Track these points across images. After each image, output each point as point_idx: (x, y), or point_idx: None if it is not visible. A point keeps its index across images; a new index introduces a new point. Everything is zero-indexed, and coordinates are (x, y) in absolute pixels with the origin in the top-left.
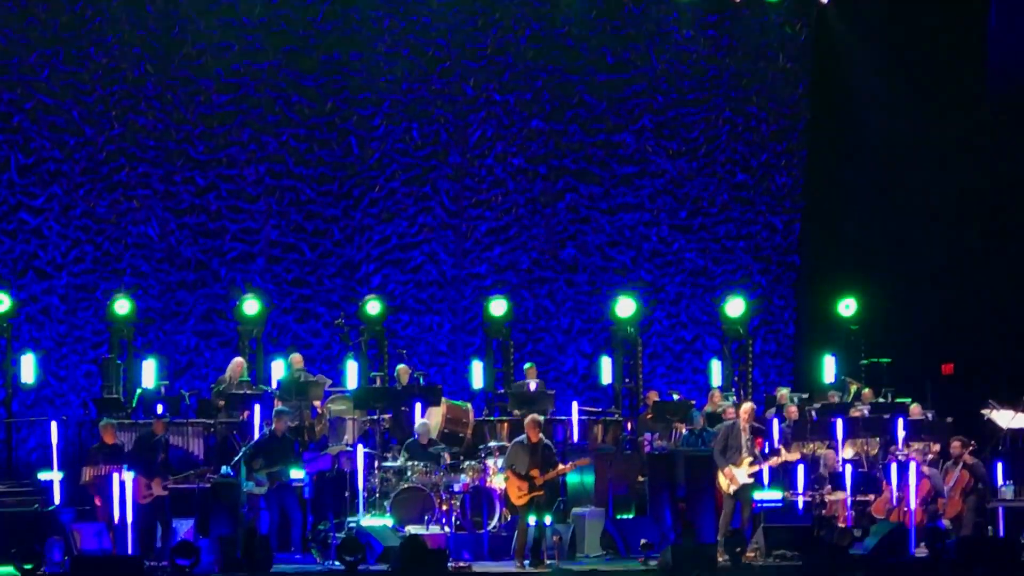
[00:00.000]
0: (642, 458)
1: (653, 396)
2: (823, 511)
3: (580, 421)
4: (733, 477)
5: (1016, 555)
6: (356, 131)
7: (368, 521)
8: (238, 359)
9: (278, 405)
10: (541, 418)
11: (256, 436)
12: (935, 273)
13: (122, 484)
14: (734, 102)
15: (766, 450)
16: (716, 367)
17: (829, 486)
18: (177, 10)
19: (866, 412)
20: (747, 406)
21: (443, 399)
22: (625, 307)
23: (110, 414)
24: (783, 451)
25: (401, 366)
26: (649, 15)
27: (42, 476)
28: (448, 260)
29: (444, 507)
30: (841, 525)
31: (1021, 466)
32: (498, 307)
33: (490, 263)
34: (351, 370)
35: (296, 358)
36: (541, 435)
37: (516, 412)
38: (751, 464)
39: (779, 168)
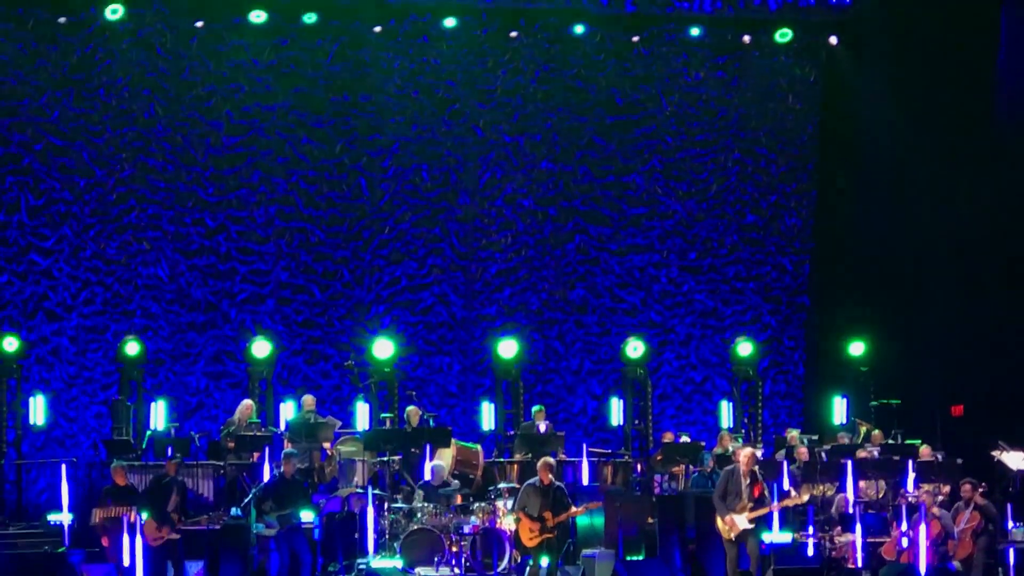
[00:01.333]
0: (652, 499)
1: (668, 436)
2: (833, 553)
3: (590, 462)
4: (733, 524)
5: None
6: (366, 172)
7: (378, 563)
8: (247, 401)
9: (287, 447)
10: (553, 461)
11: (266, 478)
12: (945, 314)
13: (132, 526)
14: (744, 143)
15: (766, 494)
16: (726, 408)
17: (839, 527)
18: (187, 52)
19: (876, 453)
20: (747, 451)
21: (453, 440)
22: (635, 348)
23: (120, 456)
24: (793, 494)
25: (411, 408)
26: (659, 56)
27: (52, 517)
28: (458, 301)
29: (454, 548)
30: (850, 567)
31: None
32: (508, 348)
33: (500, 304)
34: (361, 412)
35: (308, 400)
36: (552, 477)
37: (518, 455)
38: (752, 510)
39: (789, 209)
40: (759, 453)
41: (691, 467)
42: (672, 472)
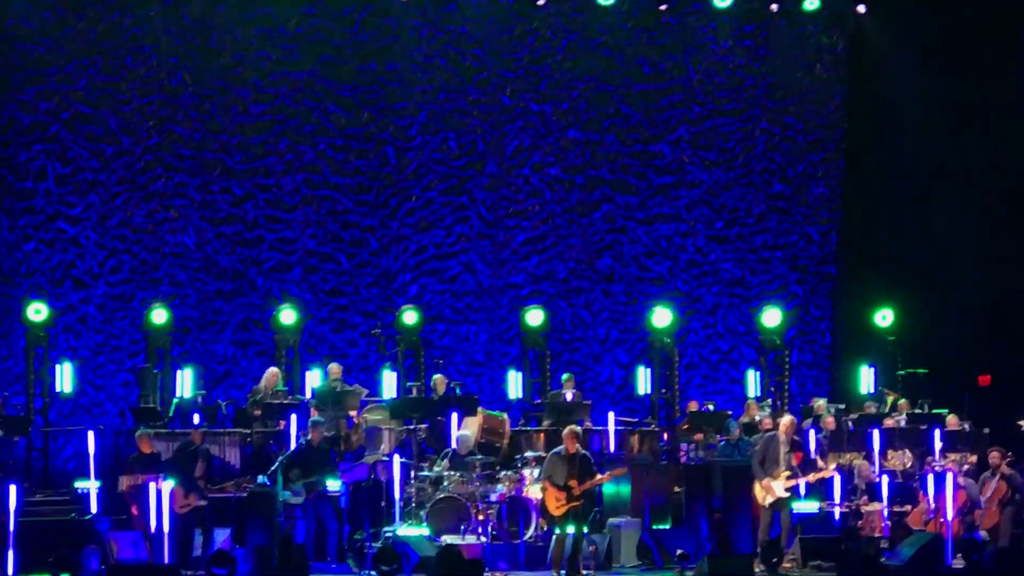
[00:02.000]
0: (678, 468)
1: (693, 406)
2: (857, 522)
3: (616, 431)
4: (770, 489)
5: None
6: (393, 141)
7: (404, 531)
8: (272, 369)
9: (314, 415)
10: (579, 429)
11: (293, 446)
12: (972, 283)
13: (159, 493)
14: (771, 112)
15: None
16: (753, 377)
17: (865, 497)
18: (214, 20)
19: (903, 423)
20: (787, 419)
21: (479, 409)
22: (661, 317)
23: (147, 423)
24: (820, 464)
25: (437, 376)
26: (686, 25)
27: (79, 485)
28: (485, 270)
29: (480, 517)
30: (867, 535)
31: None
32: (535, 317)
33: (527, 273)
34: (387, 380)
35: (334, 368)
36: (578, 446)
37: (546, 424)
38: (788, 478)
39: (816, 178)
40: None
41: (718, 436)
42: (694, 440)
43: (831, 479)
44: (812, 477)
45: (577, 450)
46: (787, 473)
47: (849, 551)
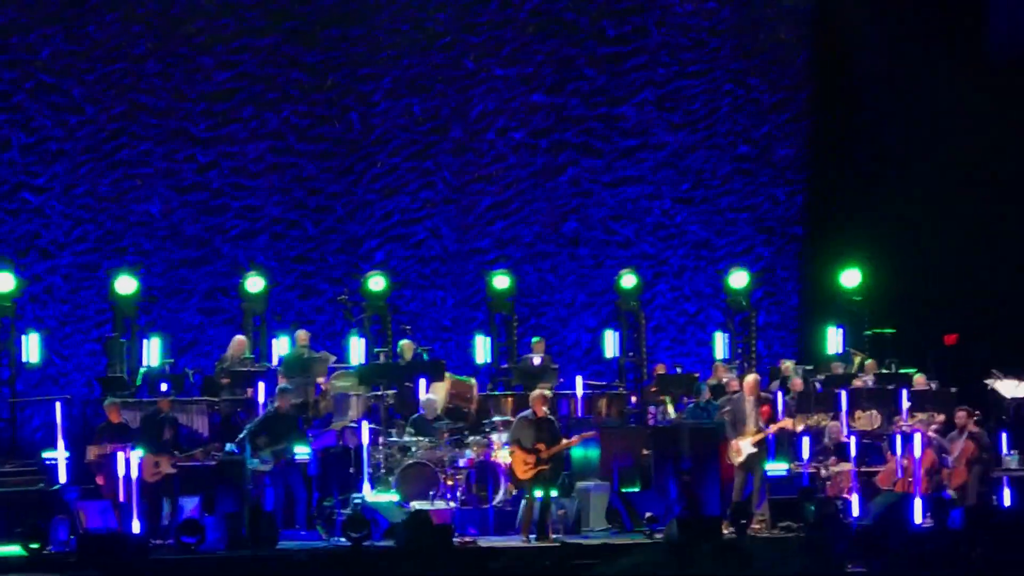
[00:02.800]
0: (646, 431)
1: (661, 369)
2: (825, 483)
3: (584, 395)
4: (739, 449)
5: (1021, 524)
6: (357, 107)
7: (373, 497)
8: (239, 336)
9: (281, 382)
10: (549, 393)
11: (261, 413)
12: (939, 243)
13: (127, 462)
14: (736, 74)
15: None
16: (720, 339)
17: (834, 457)
18: None
19: (870, 383)
20: (751, 378)
21: (447, 374)
22: (628, 280)
23: (114, 393)
24: (786, 419)
25: (405, 341)
26: None
27: (47, 455)
28: (451, 235)
29: (449, 482)
30: (825, 495)
31: None
32: (501, 282)
33: (493, 237)
34: (355, 346)
35: (302, 335)
36: (546, 409)
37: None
38: (756, 434)
39: (781, 140)
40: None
41: (685, 398)
42: (658, 401)
43: (800, 439)
44: (774, 428)
45: (545, 414)
46: (754, 430)
47: (807, 511)
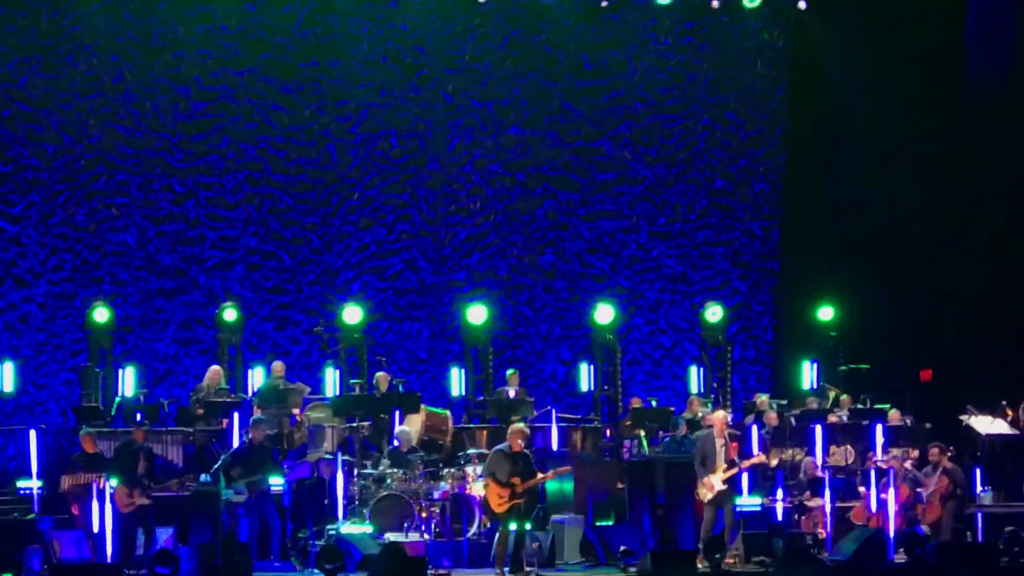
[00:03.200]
0: (621, 465)
1: (636, 402)
2: (799, 517)
3: (559, 428)
4: (710, 485)
5: (995, 560)
6: (335, 138)
7: (348, 528)
8: (215, 367)
9: (256, 413)
10: (527, 429)
11: (236, 444)
12: (914, 279)
13: (101, 493)
14: (712, 108)
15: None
16: (695, 373)
17: (808, 492)
18: (155, 17)
19: (845, 418)
20: (719, 415)
21: (422, 406)
22: (604, 314)
23: (89, 422)
24: (757, 453)
25: (380, 373)
26: (627, 21)
27: (21, 484)
28: (427, 267)
29: (424, 514)
30: (797, 530)
31: (999, 472)
32: (477, 314)
33: (469, 270)
34: (330, 377)
35: (278, 366)
36: (523, 444)
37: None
38: (726, 470)
39: (758, 174)
40: (729, 418)
41: (661, 432)
42: (634, 435)
43: (777, 474)
44: (748, 462)
45: (521, 448)
46: (723, 467)
47: (777, 547)
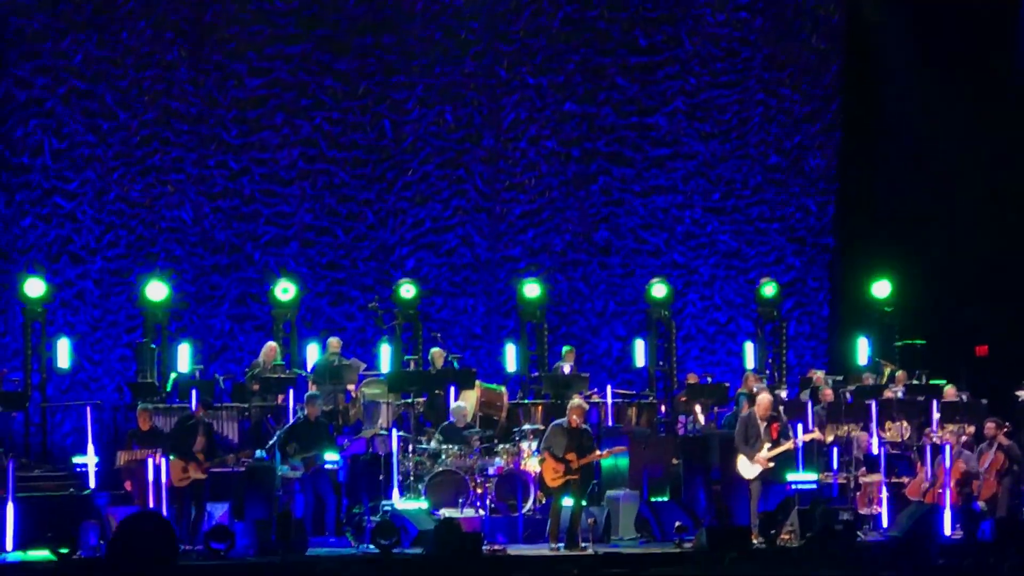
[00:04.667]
0: (676, 441)
1: (692, 378)
2: (856, 493)
3: (614, 404)
4: (752, 463)
5: None
6: (389, 114)
7: (403, 505)
8: (271, 343)
9: (312, 389)
10: (586, 405)
11: (291, 420)
12: (970, 254)
13: (156, 469)
14: (767, 84)
15: (789, 433)
16: (750, 349)
17: (864, 468)
18: None
19: (900, 394)
20: (764, 399)
21: (477, 382)
22: (659, 290)
23: (144, 398)
24: (816, 431)
25: (435, 349)
26: None
27: (77, 460)
28: (482, 243)
29: (479, 490)
30: (830, 508)
31: None
32: (532, 290)
33: (524, 246)
34: (385, 354)
35: (334, 342)
36: (581, 420)
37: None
38: (770, 448)
39: (813, 149)
40: (783, 394)
41: (716, 408)
42: (689, 411)
43: (830, 450)
44: (804, 438)
45: (579, 424)
46: (767, 445)
47: (812, 521)
